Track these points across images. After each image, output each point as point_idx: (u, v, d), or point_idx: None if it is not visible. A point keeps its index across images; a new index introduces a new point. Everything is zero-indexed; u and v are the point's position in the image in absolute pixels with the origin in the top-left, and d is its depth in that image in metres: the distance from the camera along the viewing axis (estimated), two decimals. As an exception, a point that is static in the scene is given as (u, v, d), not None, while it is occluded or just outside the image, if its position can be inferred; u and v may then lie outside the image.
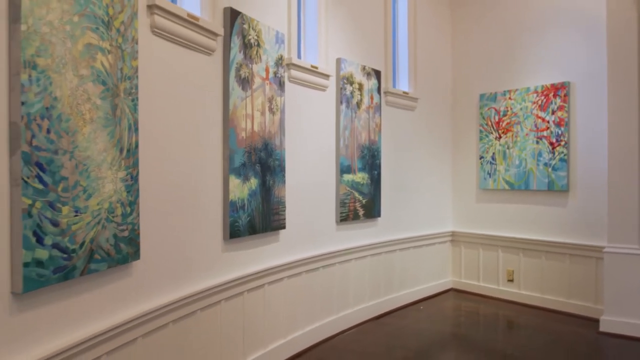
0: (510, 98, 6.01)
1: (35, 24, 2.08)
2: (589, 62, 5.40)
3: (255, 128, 3.85)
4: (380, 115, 5.46)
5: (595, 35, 5.30)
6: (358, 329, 5.09)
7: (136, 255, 2.70)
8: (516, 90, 5.96)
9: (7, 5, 2.01)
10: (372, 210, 5.35)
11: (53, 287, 2.21)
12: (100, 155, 2.44)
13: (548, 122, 5.67)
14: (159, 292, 2.96)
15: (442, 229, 6.55)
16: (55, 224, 2.16)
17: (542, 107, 5.72)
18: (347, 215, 5.03)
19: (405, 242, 5.88)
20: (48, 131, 2.13)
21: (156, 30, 2.94)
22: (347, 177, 5.03)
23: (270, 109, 4.03)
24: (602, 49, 5.12)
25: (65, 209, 2.22)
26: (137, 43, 2.72)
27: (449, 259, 6.65)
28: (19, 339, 2.06)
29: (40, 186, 2.10)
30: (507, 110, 6.03)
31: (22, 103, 2.01)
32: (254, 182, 3.82)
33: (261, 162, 3.91)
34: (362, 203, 5.21)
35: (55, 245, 2.16)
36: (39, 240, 2.09)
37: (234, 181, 3.63)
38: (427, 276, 6.30)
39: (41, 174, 2.10)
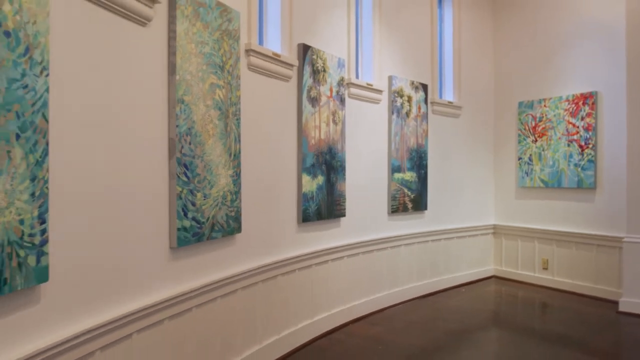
0: (545, 105, 6.77)
1: (183, 74, 3.21)
2: (613, 73, 6.10)
3: (322, 136, 4.89)
4: (427, 122, 6.39)
5: (619, 49, 6.00)
6: (405, 305, 6.04)
7: (239, 229, 3.81)
8: (550, 98, 6.72)
9: (167, 64, 3.15)
10: (419, 204, 6.29)
11: (191, 245, 3.34)
12: (218, 158, 3.55)
13: (578, 127, 6.40)
14: (253, 258, 4.06)
15: (484, 222, 7.37)
16: (193, 204, 3.29)
17: (572, 114, 6.46)
18: (397, 207, 5.99)
19: (449, 232, 6.77)
20: (190, 143, 3.26)
21: (251, 67, 4.04)
22: (398, 175, 5.99)
23: (334, 121, 5.07)
24: (624, 62, 5.82)
25: (199, 195, 3.34)
26: (239, 78, 3.83)
27: (491, 249, 7.46)
28: (174, 277, 3.20)
29: (185, 179, 3.23)
30: (543, 117, 6.79)
31: (176, 126, 3.15)
32: (320, 179, 4.87)
33: (326, 163, 4.95)
34: (410, 198, 6.16)
35: (193, 218, 3.29)
36: (185, 214, 3.22)
37: (305, 178, 4.68)
38: (470, 264, 7.15)
39: (186, 171, 3.23)
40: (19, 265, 2.03)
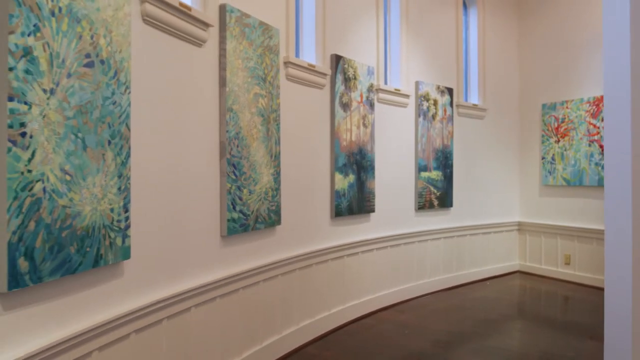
0: (567, 107, 7.06)
1: (231, 86, 3.72)
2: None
3: (353, 138, 5.35)
4: (452, 124, 6.77)
5: (638, 54, 6.24)
6: (432, 295, 6.44)
7: (279, 222, 4.30)
8: (572, 100, 7.01)
9: (218, 78, 3.66)
10: (445, 201, 6.68)
11: (239, 235, 3.85)
12: (261, 159, 4.05)
13: (598, 128, 6.67)
14: (291, 248, 4.55)
15: (509, 219, 7.70)
16: (240, 198, 3.80)
17: (593, 115, 6.74)
18: (423, 204, 6.40)
19: (475, 228, 7.14)
20: (237, 146, 3.77)
21: (289, 77, 4.53)
22: (424, 174, 6.40)
23: (364, 124, 5.51)
24: None
25: (245, 191, 3.85)
26: (279, 88, 4.32)
27: (516, 245, 7.77)
28: (223, 261, 3.71)
29: (234, 177, 3.73)
30: (565, 118, 7.09)
31: (227, 131, 3.66)
32: (351, 177, 5.32)
33: (357, 163, 5.40)
34: (436, 195, 6.56)
35: (240, 211, 3.80)
36: (233, 208, 3.72)
37: (338, 176, 5.15)
38: (495, 258, 7.49)
39: (234, 170, 3.74)
40: (110, 244, 2.56)
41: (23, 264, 2.03)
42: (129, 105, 2.71)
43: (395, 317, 5.54)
